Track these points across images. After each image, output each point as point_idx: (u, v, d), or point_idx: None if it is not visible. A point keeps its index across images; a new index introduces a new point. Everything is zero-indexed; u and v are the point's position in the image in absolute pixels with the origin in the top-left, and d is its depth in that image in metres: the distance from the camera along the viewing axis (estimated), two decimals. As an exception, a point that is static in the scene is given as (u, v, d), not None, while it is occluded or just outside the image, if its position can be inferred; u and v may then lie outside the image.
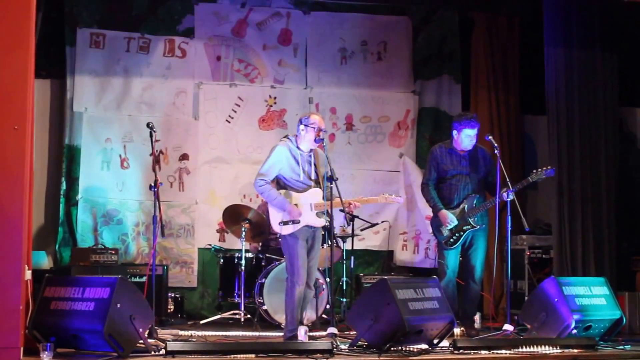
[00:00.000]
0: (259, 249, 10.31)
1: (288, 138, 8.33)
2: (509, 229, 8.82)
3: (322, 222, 8.24)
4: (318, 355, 6.98)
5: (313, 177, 8.26)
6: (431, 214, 9.42)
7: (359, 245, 10.69)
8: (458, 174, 9.11)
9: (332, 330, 7.81)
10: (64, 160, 10.81)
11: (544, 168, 8.85)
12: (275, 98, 11.44)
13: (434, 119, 11.87)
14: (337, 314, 9.78)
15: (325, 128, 8.31)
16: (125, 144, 10.99)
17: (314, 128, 8.17)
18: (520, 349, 7.45)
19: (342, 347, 7.40)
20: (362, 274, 10.72)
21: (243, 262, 9.82)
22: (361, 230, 10.54)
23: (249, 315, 9.77)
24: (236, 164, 11.25)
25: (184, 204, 11.06)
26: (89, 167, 10.87)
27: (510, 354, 7.36)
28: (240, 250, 9.99)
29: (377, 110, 11.72)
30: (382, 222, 11.15)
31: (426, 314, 7.41)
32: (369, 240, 11.32)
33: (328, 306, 9.57)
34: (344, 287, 10.33)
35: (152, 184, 8.50)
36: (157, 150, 10.81)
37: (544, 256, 10.48)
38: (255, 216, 9.97)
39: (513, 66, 11.83)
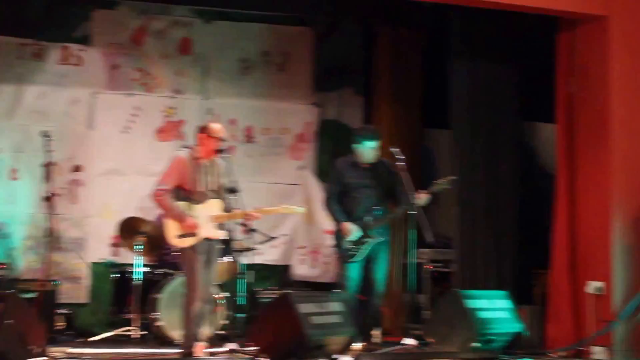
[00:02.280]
0: (155, 263, 9.98)
1: (188, 148, 8.07)
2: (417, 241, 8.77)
3: (221, 234, 8.01)
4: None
5: (213, 189, 8.02)
6: (331, 228, 9.34)
7: (256, 259, 10.43)
8: (361, 187, 9.01)
9: (232, 345, 7.59)
10: (-50, 172, 10.35)
11: (445, 178, 8.77)
12: (173, 108, 11.14)
13: (335, 131, 11.70)
14: (234, 329, 9.57)
15: (226, 138, 8.09)
16: (15, 155, 10.55)
17: (215, 138, 7.95)
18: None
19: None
20: (259, 289, 10.48)
21: (137, 276, 9.48)
22: (259, 243, 10.30)
23: (143, 332, 9.42)
24: (132, 176, 10.85)
25: (75, 217, 10.66)
26: (-24, 179, 10.43)
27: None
28: (134, 265, 9.65)
29: (278, 122, 11.52)
30: (281, 235, 10.93)
31: (329, 329, 7.23)
32: (266, 255, 11.07)
33: (225, 322, 9.38)
34: (241, 302, 10.08)
35: (47, 196, 8.11)
36: (50, 161, 10.45)
37: (444, 270, 10.42)
38: (152, 229, 9.66)
39: (415, 80, 11.68)
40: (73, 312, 10.04)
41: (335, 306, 7.47)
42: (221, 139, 7.98)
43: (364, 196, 9.00)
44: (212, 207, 7.94)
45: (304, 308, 7.09)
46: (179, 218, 7.79)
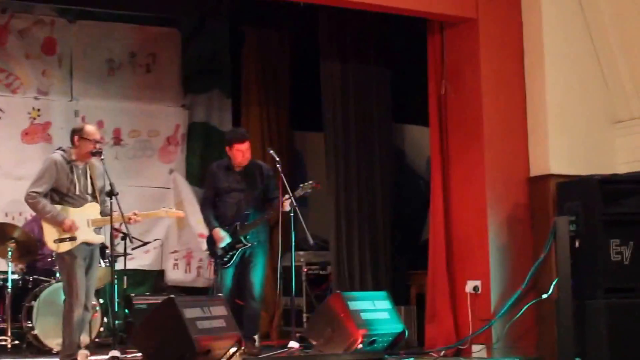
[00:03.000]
0: (25, 270, 9.66)
1: (62, 149, 7.86)
2: (291, 244, 8.75)
3: (100, 238, 7.85)
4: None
5: (89, 192, 7.83)
6: (204, 232, 9.31)
7: (129, 264, 10.23)
8: (233, 191, 8.93)
9: (114, 353, 7.42)
10: None
11: (308, 183, 8.77)
12: (39, 110, 10.82)
13: (204, 134, 11.64)
14: (111, 336, 9.34)
15: (100, 140, 7.92)
16: None
17: (90, 140, 7.76)
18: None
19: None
20: (133, 295, 10.29)
21: (9, 284, 9.16)
22: (132, 249, 10.09)
23: (17, 341, 9.12)
24: (-2, 180, 10.56)
25: None
26: None
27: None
28: (4, 272, 9.34)
29: (147, 124, 11.35)
30: (155, 240, 10.77)
31: (214, 333, 7.15)
32: (139, 260, 10.89)
33: (102, 329, 9.20)
34: (116, 309, 9.88)
35: None
36: None
37: (321, 272, 10.45)
38: (22, 235, 9.35)
39: (284, 82, 11.71)
40: None
41: (220, 310, 7.37)
42: (96, 141, 7.80)
43: (236, 200, 8.92)
44: (89, 211, 7.75)
45: (189, 313, 6.98)
46: (56, 221, 7.57)
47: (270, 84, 11.64)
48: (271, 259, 9.91)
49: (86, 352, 7.51)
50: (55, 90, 10.94)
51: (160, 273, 11.31)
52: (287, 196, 8.56)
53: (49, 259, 9.54)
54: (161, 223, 11.02)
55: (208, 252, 9.27)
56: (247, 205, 8.90)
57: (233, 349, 7.38)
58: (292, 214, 8.56)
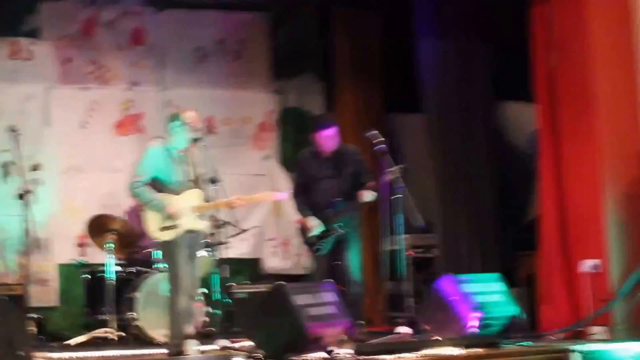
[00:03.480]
0: (125, 261, 9.55)
1: (161, 137, 7.70)
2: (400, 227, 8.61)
3: (204, 225, 7.67)
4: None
5: (191, 178, 7.66)
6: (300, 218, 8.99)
7: (227, 253, 10.06)
8: (323, 178, 8.72)
9: (223, 342, 7.24)
10: None
11: (398, 166, 8.54)
12: (131, 101, 10.72)
13: (297, 119, 11.41)
14: (212, 326, 9.20)
15: (200, 126, 7.74)
16: (-27, 155, 10.05)
17: (189, 126, 7.59)
18: (424, 352, 7.06)
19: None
20: (232, 284, 10.11)
21: (110, 276, 9.05)
22: (230, 237, 9.92)
23: (121, 333, 8.99)
24: (94, 173, 10.44)
25: (38, 218, 10.12)
26: None
27: (416, 357, 6.94)
28: (106, 264, 9.23)
29: (239, 111, 11.17)
30: (253, 227, 10.58)
31: (325, 320, 6.92)
32: (237, 248, 10.63)
33: (206, 318, 9.03)
34: (216, 298, 9.73)
35: (22, 193, 7.69)
36: (7, 161, 9.96)
37: (426, 255, 10.17)
38: (123, 226, 9.25)
39: (376, 63, 11.44)
40: (43, 316, 9.54)
41: (330, 296, 7.14)
42: (195, 128, 7.62)
43: (327, 187, 8.70)
44: (191, 198, 7.57)
45: (300, 299, 6.77)
46: (160, 208, 7.41)
47: (363, 65, 11.39)
48: (373, 243, 9.68)
49: (195, 341, 7.32)
50: (147, 81, 10.83)
51: (258, 261, 11.14)
52: (365, 191, 8.49)
53: (149, 250, 9.43)
54: (258, 210, 10.84)
55: (302, 240, 9.04)
56: (338, 191, 8.67)
57: (343, 336, 7.11)
58: (395, 197, 8.29)
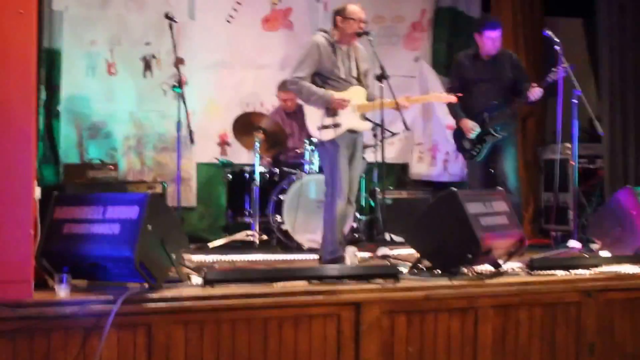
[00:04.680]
0: (271, 163, 9.16)
1: (323, 31, 7.19)
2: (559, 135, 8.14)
3: (367, 125, 7.22)
4: (380, 280, 5.90)
5: (354, 75, 7.15)
6: (452, 124, 8.80)
7: (372, 157, 9.57)
8: (481, 81, 8.43)
9: (384, 250, 6.80)
10: (43, 66, 9.41)
11: (561, 65, 7.98)
12: (280, -5, 10.21)
13: (451, 20, 10.87)
14: (356, 232, 8.89)
15: (366, 20, 7.21)
16: (112, 47, 9.70)
17: (354, 19, 7.07)
18: (601, 269, 6.49)
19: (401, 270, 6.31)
20: (376, 189, 9.65)
21: (257, 176, 8.68)
22: (380, 140, 9.40)
23: (264, 236, 8.66)
24: (238, 70, 10.05)
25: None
26: (71, 74, 9.56)
27: (592, 274, 6.36)
28: (250, 165, 8.90)
29: (391, 9, 10.60)
30: (403, 131, 10.03)
31: (497, 231, 6.38)
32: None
33: (354, 224, 8.62)
34: (363, 203, 9.30)
35: (176, 84, 7.30)
36: (148, 55, 9.73)
37: (590, 166, 9.52)
38: (271, 125, 8.83)
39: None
40: (181, 216, 9.25)
41: (501, 205, 6.59)
42: (361, 21, 7.09)
43: (484, 90, 8.43)
44: (355, 95, 7.09)
45: (472, 208, 6.24)
46: (324, 101, 6.94)
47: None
48: (526, 150, 9.10)
49: (353, 248, 6.88)
50: (296, -26, 10.29)
51: (404, 167, 10.67)
52: (534, 87, 8.11)
53: (296, 151, 9.02)
54: (406, 114, 10.26)
55: (455, 145, 8.74)
56: (495, 95, 8.41)
57: (514, 248, 6.57)
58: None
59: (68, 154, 9.51)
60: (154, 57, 9.78)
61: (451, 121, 10.09)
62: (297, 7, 10.23)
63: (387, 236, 8.30)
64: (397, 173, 10.62)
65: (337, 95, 6.96)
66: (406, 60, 10.61)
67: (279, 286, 5.66)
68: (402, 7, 10.64)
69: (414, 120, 10.48)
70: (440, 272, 6.24)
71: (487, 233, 6.19)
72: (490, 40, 8.34)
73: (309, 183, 8.50)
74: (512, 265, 6.60)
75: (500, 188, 7.03)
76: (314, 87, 6.96)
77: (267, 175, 8.90)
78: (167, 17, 7.62)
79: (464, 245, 6.13)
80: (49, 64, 9.53)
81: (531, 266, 6.39)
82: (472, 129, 8.32)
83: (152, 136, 9.79)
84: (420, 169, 10.69)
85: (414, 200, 9.70)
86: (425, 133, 10.69)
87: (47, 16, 9.49)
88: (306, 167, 8.79)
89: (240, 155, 9.62)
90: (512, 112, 8.41)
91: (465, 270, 6.22)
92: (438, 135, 10.58)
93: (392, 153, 10.39)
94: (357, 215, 8.84)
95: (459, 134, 8.54)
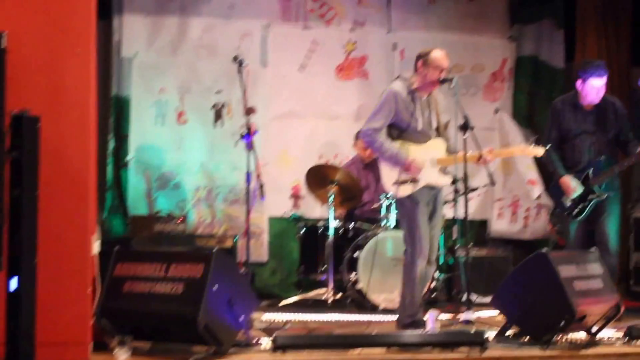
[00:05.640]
0: (345, 217, 8.75)
1: (402, 78, 6.79)
2: None
3: (446, 180, 6.77)
4: (465, 348, 5.44)
5: (433, 126, 6.73)
6: (534, 178, 8.55)
7: (449, 212, 9.13)
8: (583, 133, 7.75)
9: (469, 315, 6.34)
10: (112, 115, 9.28)
11: None
12: (354, 43, 9.86)
13: (533, 69, 10.38)
14: (434, 291, 8.44)
15: (449, 67, 6.79)
16: (182, 95, 9.45)
17: (436, 67, 6.63)
18: None
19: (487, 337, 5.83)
20: (457, 246, 9.18)
21: (331, 232, 8.27)
22: (459, 195, 8.97)
23: (338, 295, 8.23)
24: (311, 119, 9.72)
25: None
26: (140, 123, 9.36)
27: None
28: (324, 219, 8.51)
29: (471, 58, 10.17)
30: (484, 186, 9.60)
31: (592, 296, 5.90)
32: (462, 207, 9.74)
33: (434, 284, 8.17)
34: (440, 262, 8.84)
35: (246, 133, 6.99)
36: (219, 103, 9.45)
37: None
38: (345, 178, 8.44)
39: (625, 12, 10.30)
40: (252, 272, 8.87)
41: (596, 268, 6.11)
42: (442, 69, 6.67)
43: (587, 144, 7.76)
44: (434, 148, 6.68)
45: (565, 271, 5.76)
46: (396, 161, 6.51)
47: (610, 13, 10.30)
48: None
49: (436, 312, 6.41)
50: (372, 21, 9.96)
51: (483, 223, 10.20)
52: None
53: (372, 206, 8.62)
54: (485, 168, 9.87)
55: (553, 203, 8.12)
56: (600, 149, 7.75)
57: (610, 315, 6.07)
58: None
59: (137, 205, 9.27)
60: (224, 105, 9.49)
61: (533, 176, 9.69)
62: (372, 56, 9.89)
63: (469, 296, 7.80)
64: (475, 229, 10.11)
65: (412, 155, 6.53)
66: (486, 112, 10.14)
67: (355, 353, 5.27)
68: (482, 55, 10.21)
69: (493, 174, 9.97)
70: (528, 339, 5.76)
71: (581, 299, 5.71)
72: (595, 89, 7.69)
73: (386, 240, 8.09)
74: (608, 334, 6.09)
75: (595, 248, 6.49)
76: (387, 143, 6.57)
77: (342, 231, 8.50)
78: (236, 59, 7.31)
79: (555, 311, 5.71)
80: (118, 112, 9.35)
81: (630, 335, 5.88)
82: (574, 188, 7.68)
83: (223, 188, 9.50)
84: (500, 225, 10.18)
85: (495, 258, 9.22)
86: (505, 188, 10.19)
87: (116, 63, 9.36)
88: (383, 222, 8.36)
89: (313, 209, 9.34)
90: (621, 168, 7.73)
91: (556, 338, 5.72)
92: (519, 191, 10.09)
93: (471, 208, 9.84)
94: (436, 273, 8.37)
95: (556, 191, 7.90)
